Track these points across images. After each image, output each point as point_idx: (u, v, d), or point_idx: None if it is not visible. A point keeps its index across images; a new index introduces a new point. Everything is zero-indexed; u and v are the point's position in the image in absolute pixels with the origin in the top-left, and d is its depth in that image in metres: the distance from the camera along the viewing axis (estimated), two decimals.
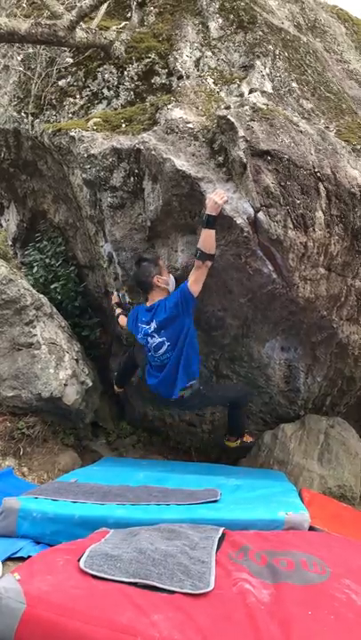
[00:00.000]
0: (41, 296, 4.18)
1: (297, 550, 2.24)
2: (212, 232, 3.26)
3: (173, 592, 1.81)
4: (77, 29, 3.32)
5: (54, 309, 4.34)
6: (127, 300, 4.10)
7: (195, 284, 3.37)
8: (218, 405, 4.43)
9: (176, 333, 3.51)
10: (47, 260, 4.75)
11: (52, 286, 4.62)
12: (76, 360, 4.26)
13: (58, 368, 4.02)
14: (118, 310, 4.09)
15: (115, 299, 4.19)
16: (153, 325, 3.55)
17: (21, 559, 2.39)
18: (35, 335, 3.97)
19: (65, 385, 4.03)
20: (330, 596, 1.85)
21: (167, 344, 3.54)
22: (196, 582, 1.86)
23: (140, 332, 3.67)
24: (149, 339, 3.59)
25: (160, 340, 3.54)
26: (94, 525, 2.53)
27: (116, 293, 4.21)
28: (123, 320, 3.98)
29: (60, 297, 4.62)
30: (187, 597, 1.79)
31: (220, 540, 2.32)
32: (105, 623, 1.62)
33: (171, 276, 3.64)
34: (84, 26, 3.47)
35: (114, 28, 4.02)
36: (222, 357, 4.21)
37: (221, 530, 2.43)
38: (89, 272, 4.66)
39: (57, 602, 1.69)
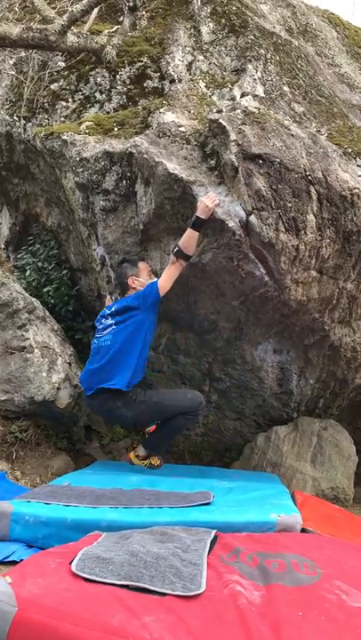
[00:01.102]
0: (33, 299, 4.18)
1: (289, 552, 2.24)
2: (196, 234, 3.29)
3: (165, 594, 1.81)
4: (69, 34, 3.34)
5: (47, 313, 4.34)
6: None
7: (165, 280, 3.40)
8: (158, 419, 3.78)
9: (128, 323, 3.47)
10: (40, 264, 4.76)
11: (45, 290, 4.62)
12: (69, 363, 4.26)
13: (51, 371, 4.02)
14: None
15: (108, 301, 4.20)
16: (113, 309, 3.60)
17: (14, 563, 2.38)
18: (27, 339, 3.96)
19: (58, 388, 4.02)
20: (321, 597, 1.86)
21: (114, 327, 3.52)
22: (188, 584, 1.87)
23: (98, 316, 3.72)
24: (103, 320, 3.63)
25: (110, 322, 3.56)
26: (87, 529, 2.53)
27: (109, 296, 4.22)
28: None
29: (53, 300, 4.62)
30: (178, 599, 1.79)
31: (213, 542, 2.32)
32: (96, 625, 1.61)
33: (155, 280, 3.64)
34: (75, 30, 3.49)
35: (106, 32, 4.04)
36: (215, 360, 4.22)
37: (214, 532, 2.44)
38: (82, 275, 4.66)
39: (48, 604, 1.69)
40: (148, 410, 3.57)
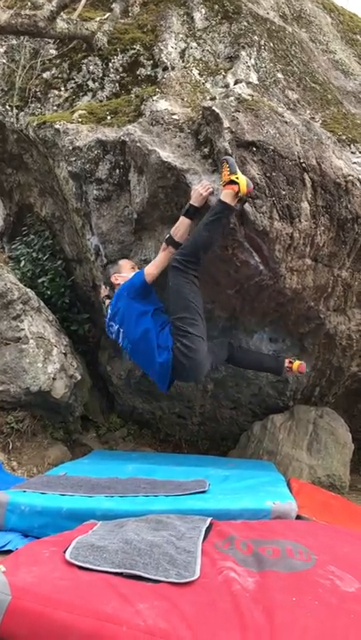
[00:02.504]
0: (28, 290, 4.17)
1: (283, 538, 2.25)
2: (188, 222, 3.25)
3: (159, 581, 1.81)
4: (58, 20, 3.30)
5: (42, 303, 4.32)
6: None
7: (152, 266, 3.33)
8: (182, 301, 3.27)
9: (127, 317, 3.38)
10: (34, 254, 4.73)
11: (40, 280, 4.60)
12: (65, 354, 4.26)
13: (46, 362, 4.01)
14: (108, 301, 4.07)
15: (104, 291, 4.18)
16: (110, 312, 3.53)
17: (9, 552, 2.39)
18: (22, 329, 3.95)
19: (53, 379, 4.02)
20: (314, 583, 1.87)
21: (122, 331, 3.46)
22: (182, 571, 1.87)
23: (105, 325, 3.66)
24: (110, 329, 3.57)
25: (116, 327, 3.49)
26: (82, 518, 2.54)
27: (104, 287, 4.20)
28: None
29: (48, 291, 4.60)
30: (172, 586, 1.80)
31: (207, 529, 2.33)
32: (90, 613, 1.62)
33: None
34: (65, 16, 3.45)
35: (98, 19, 4.00)
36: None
37: (209, 520, 2.45)
38: (77, 265, 4.65)
39: (42, 593, 1.69)
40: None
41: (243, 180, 3.06)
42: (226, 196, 3.09)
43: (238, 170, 3.09)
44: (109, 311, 3.54)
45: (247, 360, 3.94)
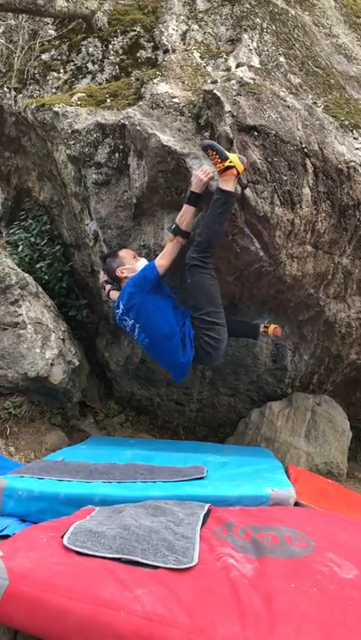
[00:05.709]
0: (26, 275, 4.14)
1: (282, 525, 2.25)
2: (192, 209, 3.21)
3: (157, 567, 1.81)
4: None
5: (40, 289, 4.30)
6: None
7: (162, 258, 3.29)
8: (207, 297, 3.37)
9: (143, 313, 3.35)
10: (32, 239, 4.69)
11: (38, 265, 4.57)
12: (63, 340, 4.24)
13: (44, 348, 4.00)
14: (108, 287, 4.02)
15: (102, 277, 4.15)
16: (121, 307, 3.45)
17: (7, 537, 2.38)
18: (20, 315, 3.93)
19: (51, 364, 4.01)
20: (313, 569, 1.86)
21: (137, 325, 3.41)
22: (180, 557, 1.87)
23: (117, 317, 3.59)
24: (124, 322, 3.50)
25: (131, 322, 3.43)
26: (80, 503, 2.53)
27: (102, 272, 4.17)
28: (114, 294, 3.89)
29: (46, 276, 4.56)
30: (170, 572, 1.79)
31: (206, 516, 2.33)
32: (88, 598, 1.62)
33: (142, 259, 3.55)
34: None
35: None
36: None
37: (207, 506, 2.44)
38: (75, 251, 4.61)
39: (40, 578, 1.69)
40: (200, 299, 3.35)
41: (236, 159, 3.03)
42: (225, 183, 3.05)
43: (226, 152, 3.04)
44: (121, 306, 3.45)
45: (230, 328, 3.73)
